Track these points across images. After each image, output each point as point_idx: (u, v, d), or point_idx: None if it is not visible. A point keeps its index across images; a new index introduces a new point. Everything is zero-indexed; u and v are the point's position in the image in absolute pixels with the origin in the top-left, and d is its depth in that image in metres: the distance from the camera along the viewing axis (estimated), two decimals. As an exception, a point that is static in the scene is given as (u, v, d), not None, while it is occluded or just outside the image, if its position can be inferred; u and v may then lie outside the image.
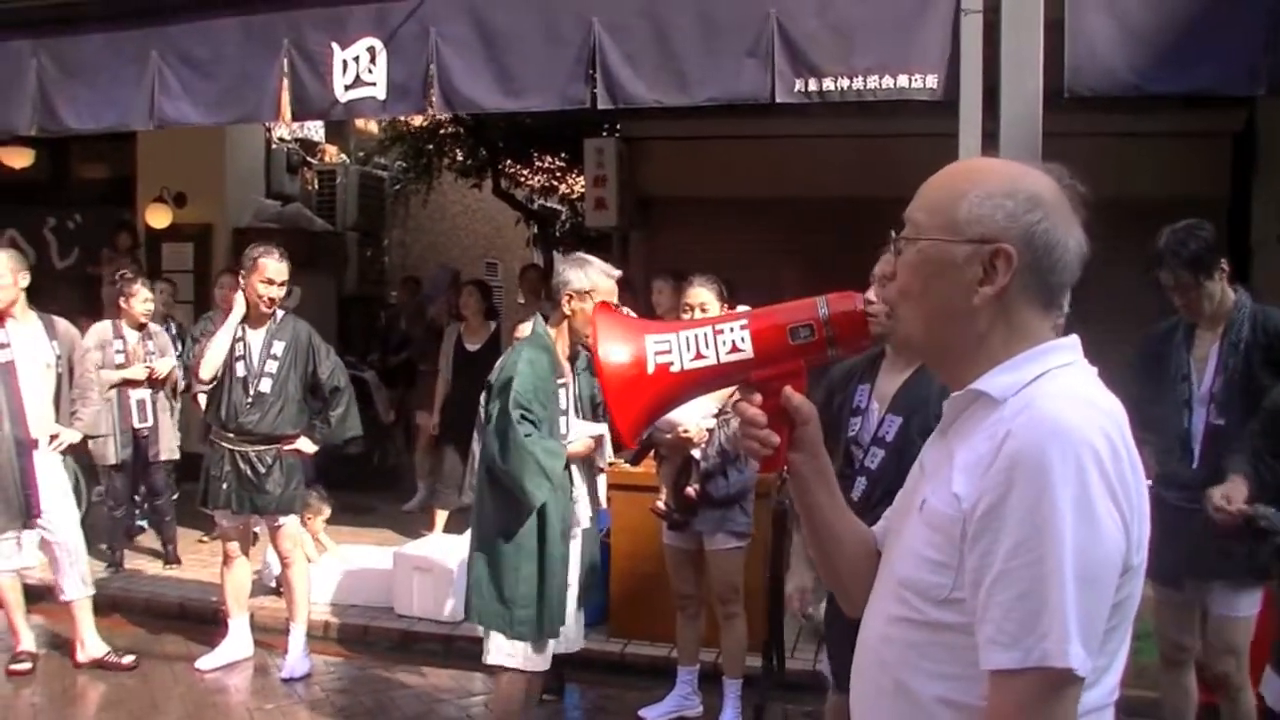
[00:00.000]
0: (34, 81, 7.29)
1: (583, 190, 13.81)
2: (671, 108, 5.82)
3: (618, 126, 10.21)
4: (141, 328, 7.00)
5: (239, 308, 5.35)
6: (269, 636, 5.83)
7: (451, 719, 5.06)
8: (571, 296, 4.04)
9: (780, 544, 3.27)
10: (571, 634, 4.25)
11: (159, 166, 9.99)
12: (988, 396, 1.40)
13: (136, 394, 6.93)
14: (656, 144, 9.43)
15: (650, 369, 1.52)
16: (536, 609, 3.96)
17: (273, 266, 5.29)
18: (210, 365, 5.28)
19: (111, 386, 6.77)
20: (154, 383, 6.98)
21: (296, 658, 5.48)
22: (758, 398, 1.54)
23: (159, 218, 9.83)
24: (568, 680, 5.27)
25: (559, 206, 14.83)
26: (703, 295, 4.60)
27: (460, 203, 14.44)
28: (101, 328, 6.95)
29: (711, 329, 1.54)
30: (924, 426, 2.84)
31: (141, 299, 6.94)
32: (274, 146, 10.86)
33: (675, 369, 1.52)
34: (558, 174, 13.90)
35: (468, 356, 7.61)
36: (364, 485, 8.31)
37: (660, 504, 4.80)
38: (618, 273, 4.14)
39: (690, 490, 4.68)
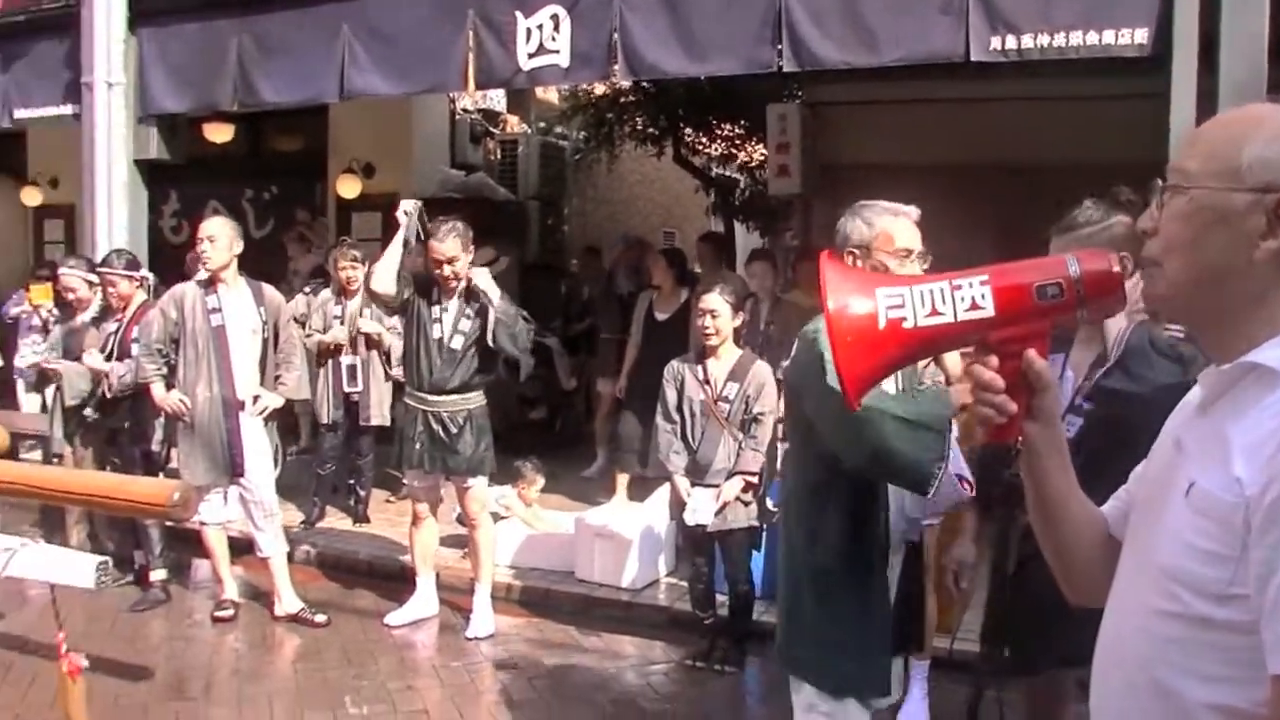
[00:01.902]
0: (235, 59, 7.60)
1: (762, 158, 13.64)
2: (857, 70, 5.64)
3: (799, 91, 10.02)
4: (351, 294, 7.24)
5: (403, 229, 5.42)
6: (453, 596, 5.96)
7: (633, 686, 5.07)
8: (854, 254, 2.99)
9: (1008, 524, 3.07)
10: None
11: (349, 138, 10.32)
12: (1268, 370, 1.25)
13: (347, 359, 7.19)
14: (841, 108, 9.19)
15: (881, 324, 1.42)
16: (872, 657, 2.94)
17: (436, 247, 5.34)
18: (380, 277, 5.34)
19: (321, 352, 7.03)
20: (369, 348, 7.20)
21: (482, 618, 5.59)
22: (994, 360, 1.43)
23: (349, 188, 10.14)
24: (748, 653, 5.22)
25: (738, 175, 14.69)
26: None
27: (638, 171, 14.44)
28: (325, 294, 7.26)
29: (949, 284, 1.42)
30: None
31: (347, 262, 7.17)
32: (458, 118, 11.07)
33: (908, 325, 1.41)
34: (737, 141, 13.74)
35: (657, 325, 7.56)
36: (545, 451, 8.39)
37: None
38: (913, 210, 3.11)
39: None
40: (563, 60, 6.00)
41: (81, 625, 5.37)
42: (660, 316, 7.59)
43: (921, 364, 3.21)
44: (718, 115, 12.72)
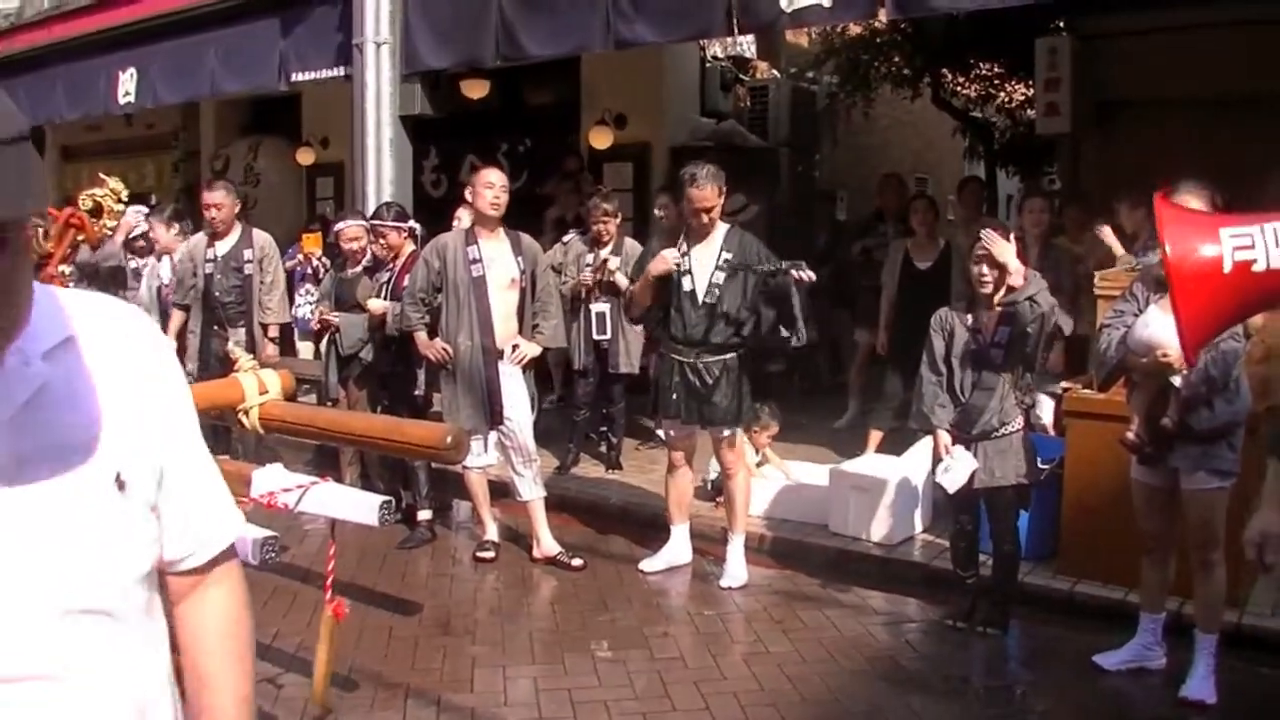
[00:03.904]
0: (496, 15, 7.75)
1: (1022, 98, 12.94)
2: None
3: (1061, 25, 9.40)
4: (604, 244, 7.30)
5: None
6: (706, 544, 5.94)
7: (889, 643, 4.93)
8: None
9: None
10: None
11: (601, 90, 10.40)
12: None
13: (597, 307, 7.26)
14: (1117, 40, 8.54)
15: (1227, 268, 1.24)
16: None
17: (695, 194, 5.25)
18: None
19: (574, 297, 7.14)
20: (615, 295, 7.27)
21: (736, 567, 5.55)
22: None
23: (601, 139, 10.24)
24: (1011, 616, 4.98)
25: (995, 117, 14.01)
26: (1192, 204, 4.02)
27: (889, 115, 13.97)
28: (579, 243, 7.38)
29: None
30: None
31: (602, 214, 7.24)
32: (708, 65, 10.96)
33: (1259, 267, 1.23)
34: (996, 81, 13.09)
35: (916, 274, 7.28)
36: (792, 401, 8.29)
37: (1130, 435, 4.34)
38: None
39: (1167, 421, 4.20)
40: (825, 0, 5.79)
41: (354, 560, 5.67)
42: (920, 265, 7.29)
43: None
44: (977, 53, 12.12)
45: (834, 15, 6.03)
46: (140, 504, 1.24)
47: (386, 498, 2.97)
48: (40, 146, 14.43)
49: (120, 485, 1.20)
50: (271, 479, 3.05)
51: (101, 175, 4.52)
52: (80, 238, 4.38)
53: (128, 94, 11.11)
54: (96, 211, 4.38)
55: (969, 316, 4.83)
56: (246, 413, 4.02)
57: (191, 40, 10.39)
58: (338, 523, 3.28)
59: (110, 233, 4.80)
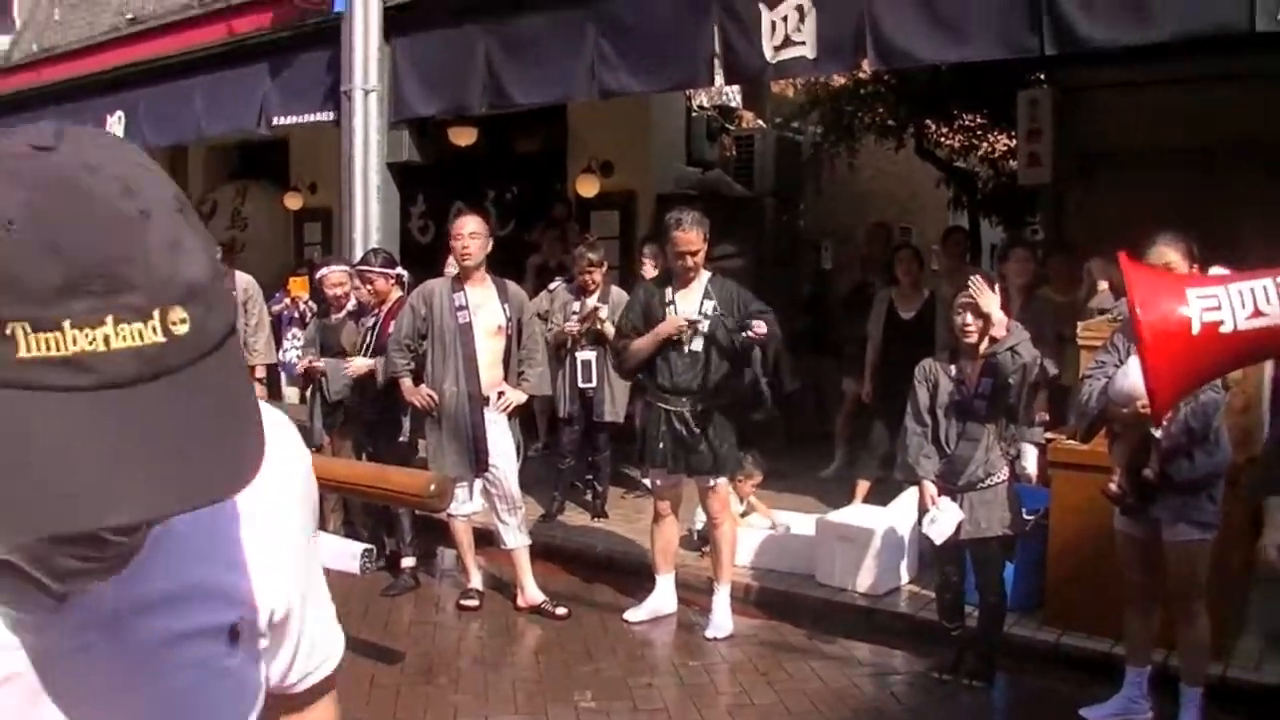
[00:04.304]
0: (483, 63, 7.82)
1: (1005, 148, 13.07)
2: (1114, 50, 5.27)
3: (1041, 77, 9.53)
4: (590, 292, 7.34)
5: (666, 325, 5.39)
6: (691, 594, 5.91)
7: (874, 695, 4.90)
8: None
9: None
10: None
11: (587, 138, 10.47)
12: None
13: (583, 355, 7.27)
14: (1098, 93, 8.66)
15: (1195, 329, 1.25)
16: None
17: (680, 237, 5.28)
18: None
19: (559, 345, 7.14)
20: (601, 345, 7.28)
21: (721, 617, 5.52)
22: None
23: (588, 187, 10.29)
24: (997, 667, 4.96)
25: (977, 168, 14.14)
26: (1169, 256, 4.07)
27: (873, 165, 14.09)
28: (564, 292, 7.40)
29: (1273, 281, 1.24)
30: None
31: (586, 264, 7.27)
32: (694, 114, 11.05)
33: (1226, 329, 1.24)
34: (978, 131, 13.22)
35: (900, 324, 7.31)
36: (777, 451, 8.27)
37: (1112, 486, 4.35)
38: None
39: (1148, 473, 4.21)
40: (809, 52, 5.86)
41: (337, 607, 5.59)
42: (905, 315, 7.33)
43: None
44: (960, 104, 12.26)
45: (818, 67, 6.10)
46: (250, 652, 1.02)
47: (368, 546, 2.96)
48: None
49: (234, 636, 0.99)
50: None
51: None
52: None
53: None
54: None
55: (952, 367, 4.85)
56: (230, 459, 4.00)
57: (179, 85, 10.46)
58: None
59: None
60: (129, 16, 12.27)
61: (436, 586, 6.38)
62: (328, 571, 2.98)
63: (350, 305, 6.45)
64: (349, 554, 2.89)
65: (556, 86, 7.57)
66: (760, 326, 5.09)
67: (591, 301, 7.23)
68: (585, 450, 7.60)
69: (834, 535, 5.98)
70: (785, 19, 5.98)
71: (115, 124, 11.16)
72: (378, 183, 8.16)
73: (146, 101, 10.87)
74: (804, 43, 5.91)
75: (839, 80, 11.90)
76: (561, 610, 5.77)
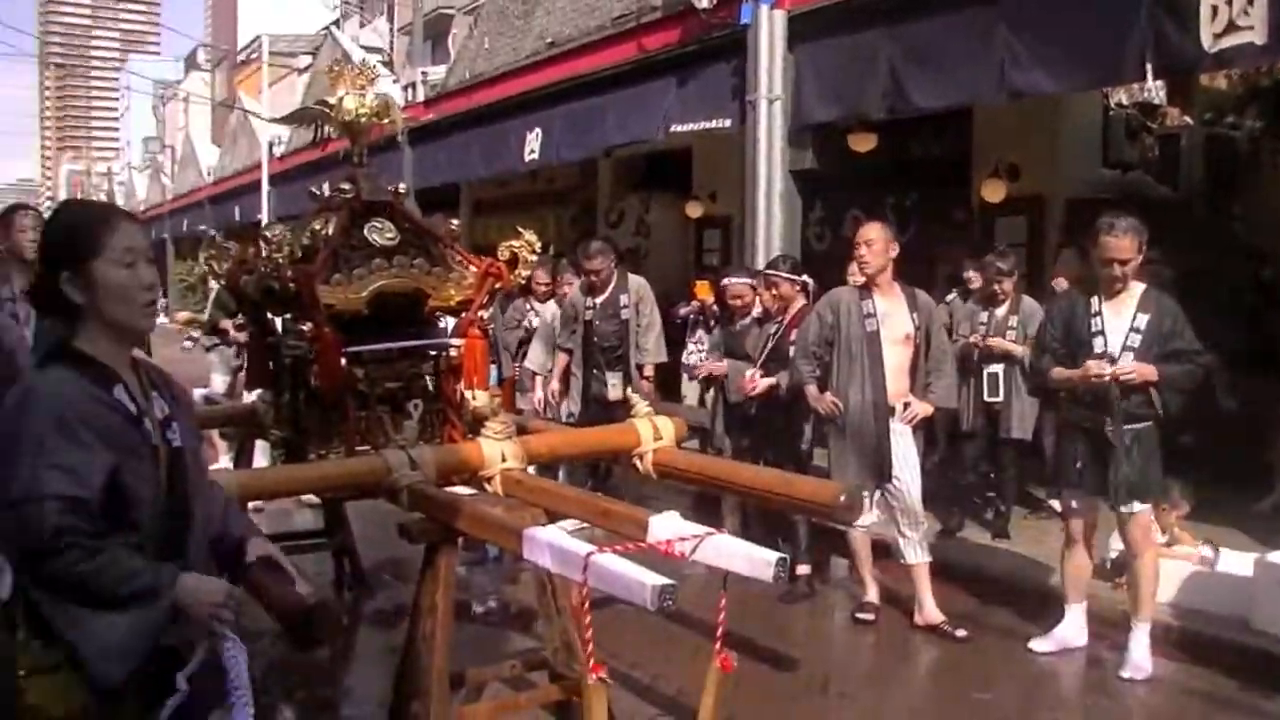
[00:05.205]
0: (885, 67, 7.72)
1: None
2: None
3: None
4: (999, 303, 7.08)
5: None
6: (1103, 629, 5.48)
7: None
8: None
9: None
10: None
11: (993, 141, 10.03)
12: None
13: (990, 368, 7.01)
14: None
15: None
16: None
17: (1109, 243, 4.91)
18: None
19: (965, 358, 6.92)
20: (1008, 358, 6.99)
21: (1139, 657, 5.06)
22: None
23: (993, 192, 9.87)
24: None
25: None
26: None
27: (1322, 163, 12.56)
28: (969, 304, 7.26)
29: None
30: None
31: (995, 273, 7.01)
32: (1111, 113, 10.31)
33: None
34: None
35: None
36: (1200, 479, 7.54)
37: None
38: None
39: None
40: (1258, 37, 5.29)
41: (734, 609, 5.65)
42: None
43: None
44: None
45: (1266, 54, 5.49)
46: None
47: (782, 555, 2.93)
48: (456, 201, 15.99)
49: None
50: (668, 526, 3.08)
51: (519, 229, 4.84)
52: (498, 285, 4.71)
53: (533, 152, 12.05)
54: (513, 262, 4.69)
55: None
56: (641, 457, 4.14)
57: (591, 102, 11.11)
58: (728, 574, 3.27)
59: (524, 281, 5.20)
60: (548, 40, 13.20)
61: (830, 596, 6.32)
62: (734, 575, 3.00)
63: (755, 311, 6.55)
64: (763, 561, 2.88)
65: (961, 89, 7.36)
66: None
67: (1000, 312, 6.92)
68: (983, 466, 7.29)
69: (1275, 578, 5.34)
70: (1230, 2, 5.43)
71: (533, 141, 12.05)
72: (781, 190, 8.26)
73: (563, 119, 11.63)
74: (1251, 27, 5.34)
75: (1285, 66, 10.68)
76: (961, 632, 5.53)
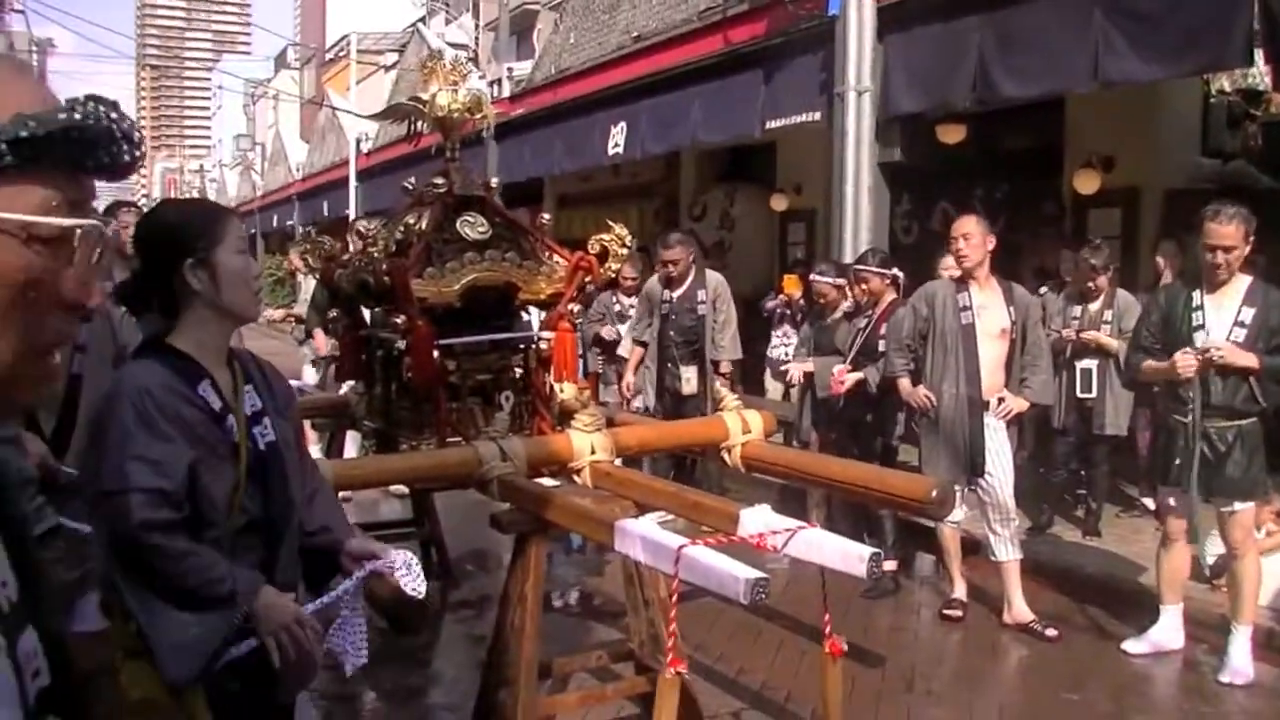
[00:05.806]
0: (974, 57, 7.59)
1: None
2: None
3: None
4: (1093, 298, 6.95)
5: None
6: (1200, 631, 5.35)
7: None
8: None
9: None
10: None
11: (1087, 131, 9.82)
12: None
13: (1083, 363, 6.88)
14: None
15: None
16: None
17: (1213, 230, 4.77)
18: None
19: (1058, 353, 6.79)
20: (1101, 353, 6.85)
21: (1240, 661, 4.92)
22: None
23: (1087, 183, 9.66)
24: None
25: None
26: None
27: None
28: (1062, 297, 7.13)
29: None
30: None
31: (1089, 268, 6.88)
32: (1212, 100, 10.01)
33: None
34: None
35: None
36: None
37: None
38: None
39: None
40: (1372, 20, 5.11)
41: (817, 605, 5.65)
42: None
43: None
44: None
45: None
46: None
47: (875, 550, 2.91)
48: (540, 196, 16.09)
49: None
50: (760, 520, 3.08)
51: (609, 223, 4.86)
52: (588, 279, 4.72)
53: (616, 146, 12.07)
54: (603, 256, 4.70)
55: None
56: (729, 450, 4.14)
57: (677, 95, 11.09)
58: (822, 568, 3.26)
59: (614, 274, 5.21)
60: (634, 35, 13.22)
61: (916, 593, 6.26)
62: (812, 565, 2.98)
63: (846, 306, 6.50)
64: (855, 556, 2.86)
65: (1052, 78, 7.22)
66: None
67: (1094, 307, 6.78)
68: (1077, 463, 7.15)
69: (1385, 580, 5.17)
70: (1344, -17, 5.26)
71: (618, 134, 12.07)
72: (869, 183, 8.17)
73: (648, 112, 11.63)
74: (1367, 9, 5.16)
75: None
76: (1051, 632, 5.44)
